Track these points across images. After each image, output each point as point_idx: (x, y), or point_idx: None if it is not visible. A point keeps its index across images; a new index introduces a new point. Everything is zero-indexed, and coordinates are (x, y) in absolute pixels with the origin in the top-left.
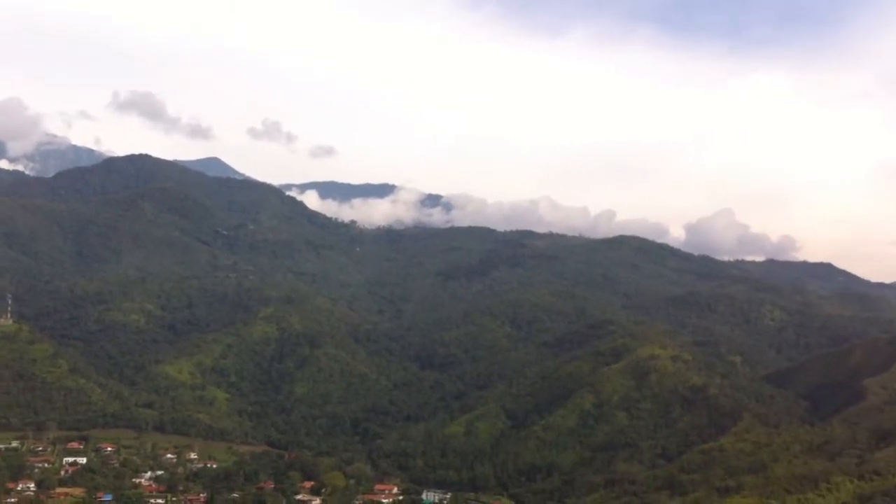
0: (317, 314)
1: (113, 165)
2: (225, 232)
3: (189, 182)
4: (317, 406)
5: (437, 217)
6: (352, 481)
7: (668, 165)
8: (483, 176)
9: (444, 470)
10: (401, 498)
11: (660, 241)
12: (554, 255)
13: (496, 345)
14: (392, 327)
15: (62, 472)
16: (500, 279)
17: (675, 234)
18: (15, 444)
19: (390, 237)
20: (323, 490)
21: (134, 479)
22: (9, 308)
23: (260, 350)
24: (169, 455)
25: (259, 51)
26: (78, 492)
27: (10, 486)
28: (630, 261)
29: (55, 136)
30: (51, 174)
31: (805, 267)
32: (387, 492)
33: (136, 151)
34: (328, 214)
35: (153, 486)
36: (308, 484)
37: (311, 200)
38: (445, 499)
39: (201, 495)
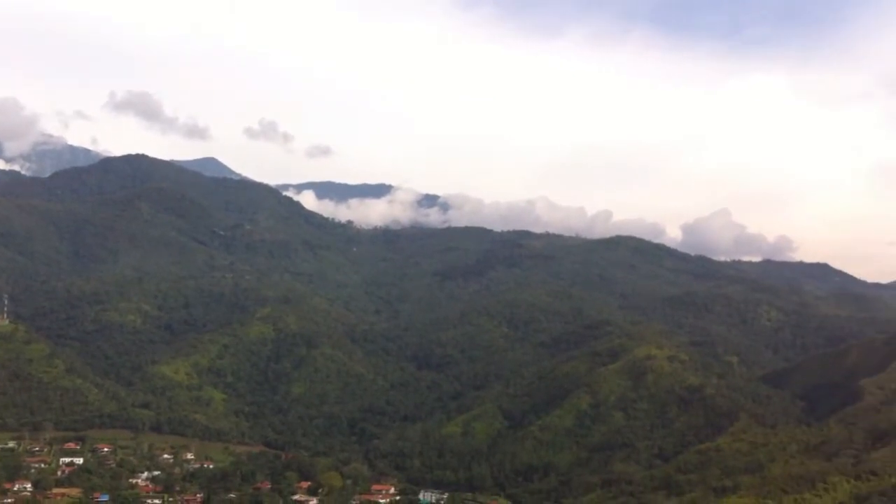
0: (313, 314)
1: (109, 165)
2: (222, 232)
3: (186, 182)
4: (313, 406)
5: (433, 217)
6: (349, 481)
7: (665, 165)
8: (480, 176)
9: (440, 470)
10: (398, 498)
11: (656, 241)
12: (551, 256)
13: (493, 345)
14: (389, 327)
15: (59, 473)
16: (497, 279)
17: (672, 235)
18: (11, 444)
19: (387, 237)
20: (320, 490)
21: (130, 480)
22: (5, 308)
23: (256, 350)
24: (165, 455)
25: (255, 51)
26: (74, 492)
27: (7, 486)
28: (627, 261)
29: (51, 135)
30: (47, 174)
31: (801, 267)
32: (384, 492)
33: (133, 151)
34: (325, 214)
35: (150, 486)
36: (305, 484)
37: (308, 200)
38: (442, 499)
39: (198, 496)
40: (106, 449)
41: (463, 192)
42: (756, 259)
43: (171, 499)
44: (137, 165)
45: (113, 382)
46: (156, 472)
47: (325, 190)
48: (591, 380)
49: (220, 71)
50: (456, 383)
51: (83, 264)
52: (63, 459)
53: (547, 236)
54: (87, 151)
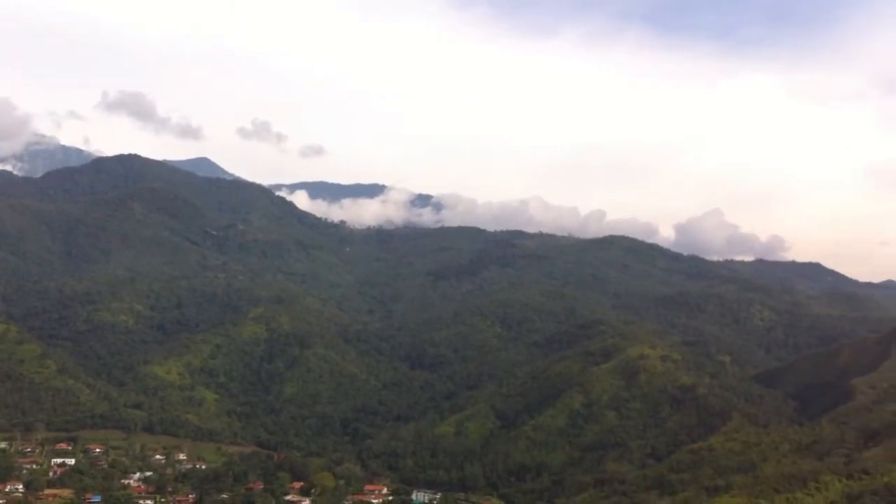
0: (306, 314)
1: (102, 165)
2: (214, 232)
3: (178, 182)
4: (306, 406)
5: (427, 217)
6: (341, 482)
7: (659, 166)
8: (473, 176)
9: (433, 470)
10: (390, 498)
11: (649, 241)
12: (544, 255)
13: (486, 345)
14: (382, 327)
15: (50, 474)
16: (490, 279)
17: (665, 235)
18: (3, 445)
19: (380, 237)
20: (312, 490)
21: (123, 480)
22: None
23: (249, 350)
24: (158, 456)
25: (248, 51)
26: (66, 493)
27: None
28: (620, 261)
29: (44, 136)
30: (40, 174)
31: (794, 267)
32: (376, 492)
33: (126, 151)
34: (318, 214)
35: (142, 487)
36: (297, 484)
37: (301, 200)
38: (435, 499)
39: (190, 496)
40: (98, 449)
41: (456, 191)
42: (748, 259)
43: (163, 499)
44: (130, 165)
45: (105, 383)
46: (148, 473)
47: (318, 190)
48: (583, 379)
49: (212, 71)
50: (449, 383)
51: (75, 264)
52: (55, 460)
53: (540, 236)
54: (79, 151)
